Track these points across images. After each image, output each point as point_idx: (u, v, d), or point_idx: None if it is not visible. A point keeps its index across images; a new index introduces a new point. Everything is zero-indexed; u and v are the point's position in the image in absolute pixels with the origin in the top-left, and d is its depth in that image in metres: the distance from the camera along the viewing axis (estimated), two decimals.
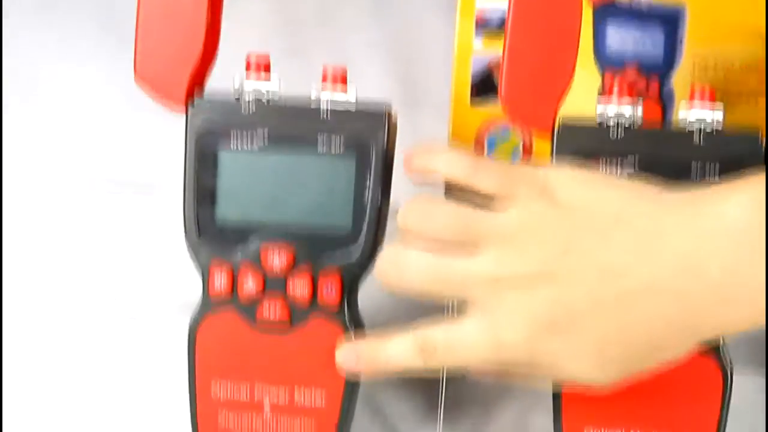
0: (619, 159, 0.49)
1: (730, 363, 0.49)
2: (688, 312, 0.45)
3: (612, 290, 0.45)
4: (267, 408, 0.52)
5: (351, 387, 0.52)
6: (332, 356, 0.51)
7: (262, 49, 0.53)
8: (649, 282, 0.45)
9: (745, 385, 0.52)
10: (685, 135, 0.49)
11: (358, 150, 0.51)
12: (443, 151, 0.50)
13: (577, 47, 0.50)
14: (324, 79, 0.52)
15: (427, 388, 0.60)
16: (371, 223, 0.51)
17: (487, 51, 0.63)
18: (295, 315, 0.51)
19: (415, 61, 0.69)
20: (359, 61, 0.69)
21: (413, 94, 0.68)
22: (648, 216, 0.45)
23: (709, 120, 0.49)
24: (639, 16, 0.62)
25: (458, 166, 0.49)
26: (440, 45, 0.65)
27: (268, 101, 0.51)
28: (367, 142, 0.51)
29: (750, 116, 0.59)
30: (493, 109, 0.60)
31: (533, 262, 0.46)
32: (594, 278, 0.45)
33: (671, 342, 0.46)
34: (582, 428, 0.50)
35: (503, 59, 0.50)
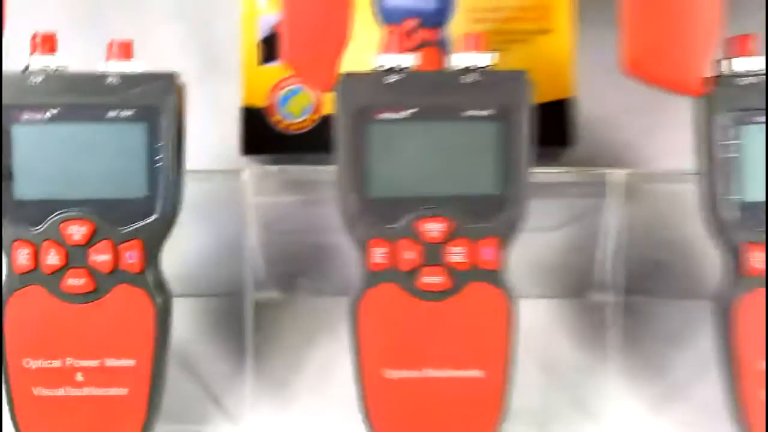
0: (400, 103, 0.51)
1: (512, 290, 0.52)
2: None
3: None
4: (80, 378, 0.52)
5: (160, 351, 0.52)
6: (140, 322, 0.52)
7: (57, 24, 0.53)
8: None
9: (531, 310, 0.55)
10: (457, 75, 0.51)
11: (148, 117, 0.51)
12: None
13: (352, 6, 0.51)
14: (109, 52, 0.52)
15: (235, 343, 0.62)
16: (167, 187, 0.52)
17: (274, 11, 0.64)
18: (100, 284, 0.51)
19: (207, 28, 0.70)
20: (154, 32, 0.69)
21: (207, 60, 0.69)
22: None
23: (480, 64, 0.51)
24: None
25: None
26: (230, 10, 0.65)
27: (55, 74, 0.51)
28: (156, 108, 0.51)
29: (528, 54, 0.62)
30: (283, 69, 0.61)
31: None
32: None
33: None
34: (381, 370, 0.52)
35: (282, 21, 0.51)
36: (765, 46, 0.52)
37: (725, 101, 0.51)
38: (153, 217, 0.52)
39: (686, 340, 0.62)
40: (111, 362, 0.52)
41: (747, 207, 0.51)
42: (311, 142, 0.64)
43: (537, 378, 0.62)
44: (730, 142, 0.51)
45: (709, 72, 0.51)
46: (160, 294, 0.52)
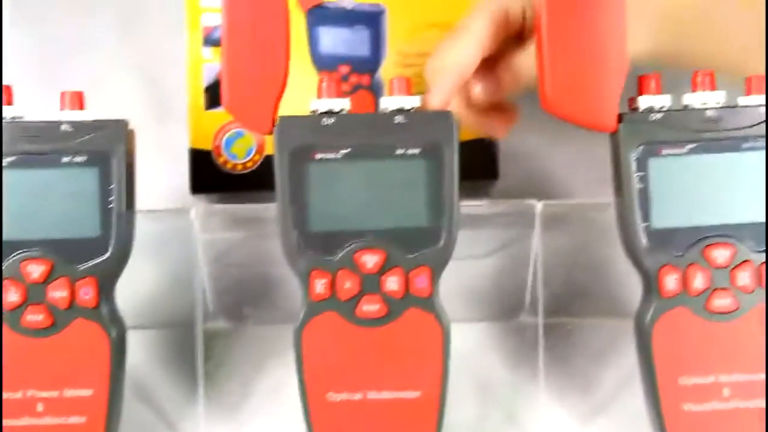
0: (335, 143, 0.53)
1: (445, 315, 0.54)
2: None
3: None
4: (40, 409, 0.53)
5: (116, 380, 0.54)
6: (96, 354, 0.53)
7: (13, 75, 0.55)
8: None
9: (466, 334, 0.58)
10: (388, 117, 0.53)
11: (100, 161, 0.53)
12: None
13: (287, 52, 0.52)
14: (62, 102, 0.54)
15: (187, 371, 0.63)
16: (119, 227, 0.53)
17: (218, 60, 0.66)
18: (58, 319, 0.53)
19: (156, 76, 0.72)
20: (107, 81, 0.72)
21: (157, 106, 0.71)
22: None
23: (407, 107, 0.53)
24: (346, 18, 0.66)
25: None
26: (177, 59, 0.68)
27: (12, 123, 0.53)
28: (107, 153, 0.53)
29: None
30: (227, 114, 0.62)
31: None
32: None
33: None
34: (325, 394, 0.54)
35: (222, 70, 0.53)
36: (765, 64, 0.55)
37: (633, 136, 0.53)
38: (107, 255, 0.54)
39: (610, 358, 0.64)
40: (69, 392, 0.54)
41: (658, 233, 0.53)
42: (255, 181, 0.66)
43: (472, 396, 0.64)
44: (639, 173, 0.53)
45: (618, 109, 0.53)
46: (115, 327, 0.54)
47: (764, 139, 0.53)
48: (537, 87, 0.53)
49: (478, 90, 0.62)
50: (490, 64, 0.61)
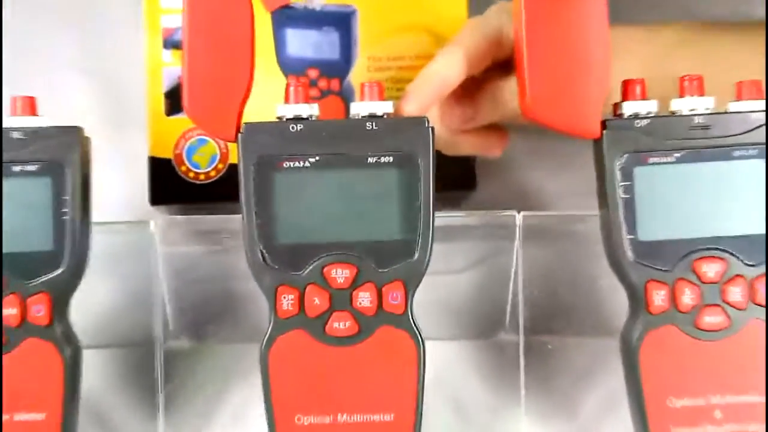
0: (303, 151, 0.53)
1: (420, 332, 0.54)
2: None
3: None
4: None
5: (70, 403, 0.54)
6: (48, 375, 0.53)
7: None
8: None
9: (442, 353, 0.58)
10: (359, 124, 0.53)
11: (53, 171, 0.53)
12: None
13: (251, 55, 0.52)
14: (13, 108, 0.54)
15: (147, 393, 0.63)
16: (74, 240, 0.53)
17: (178, 63, 0.66)
18: (7, 338, 0.53)
19: (113, 81, 0.72)
20: (62, 86, 0.72)
21: (115, 113, 0.71)
22: None
23: (379, 113, 0.53)
24: (314, 19, 0.66)
25: None
26: (136, 62, 0.68)
27: None
28: (61, 162, 0.53)
29: None
30: (189, 120, 0.63)
31: None
32: None
33: None
34: (292, 417, 0.53)
35: (183, 74, 0.52)
36: (765, 68, 0.55)
37: (618, 144, 0.54)
38: (60, 270, 0.53)
39: (595, 378, 0.65)
40: (20, 416, 0.53)
41: (645, 246, 0.53)
42: (219, 192, 0.66)
43: (449, 419, 0.64)
44: (624, 183, 0.54)
45: (602, 115, 0.54)
46: (69, 346, 0.54)
47: (755, 147, 0.53)
48: (516, 111, 0.53)
49: (454, 124, 0.63)
50: (471, 90, 0.62)
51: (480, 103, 0.62)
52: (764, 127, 0.53)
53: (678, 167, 0.54)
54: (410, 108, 0.59)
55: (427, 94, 0.59)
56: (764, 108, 0.53)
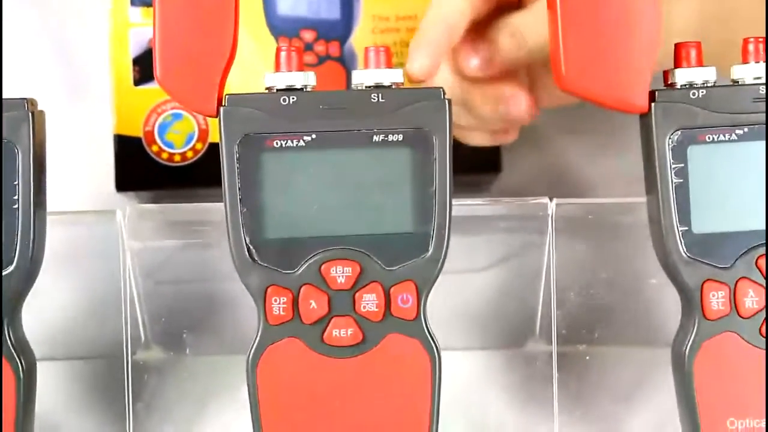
0: (297, 128, 0.52)
1: (435, 341, 0.53)
2: None
3: None
4: None
5: (23, 423, 0.53)
6: None
7: None
8: None
9: (462, 365, 0.57)
10: (363, 95, 0.53)
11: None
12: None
13: (236, 14, 0.52)
14: None
15: (113, 411, 0.63)
16: (24, 233, 0.53)
17: (149, 24, 0.65)
18: None
19: (72, 45, 0.72)
20: (12, 51, 0.72)
21: (73, 82, 0.71)
22: None
23: (386, 82, 0.53)
24: None
25: None
26: (98, 22, 0.68)
27: None
28: (9, 141, 0.52)
29: None
30: (160, 91, 0.62)
31: None
32: None
33: None
34: None
35: (154, 36, 0.52)
36: (765, 51, 0.54)
37: (669, 119, 0.53)
38: (10, 269, 0.53)
39: (641, 395, 0.65)
40: None
41: (700, 240, 0.53)
42: (198, 176, 0.66)
43: None
44: (676, 165, 0.53)
45: (651, 85, 0.53)
46: (22, 358, 0.53)
47: None
48: (548, 56, 0.53)
49: (473, 63, 0.62)
50: (484, 30, 0.61)
51: (498, 42, 0.62)
52: None
53: (740, 146, 0.53)
54: (417, 66, 0.59)
55: (435, 46, 0.59)
56: None
